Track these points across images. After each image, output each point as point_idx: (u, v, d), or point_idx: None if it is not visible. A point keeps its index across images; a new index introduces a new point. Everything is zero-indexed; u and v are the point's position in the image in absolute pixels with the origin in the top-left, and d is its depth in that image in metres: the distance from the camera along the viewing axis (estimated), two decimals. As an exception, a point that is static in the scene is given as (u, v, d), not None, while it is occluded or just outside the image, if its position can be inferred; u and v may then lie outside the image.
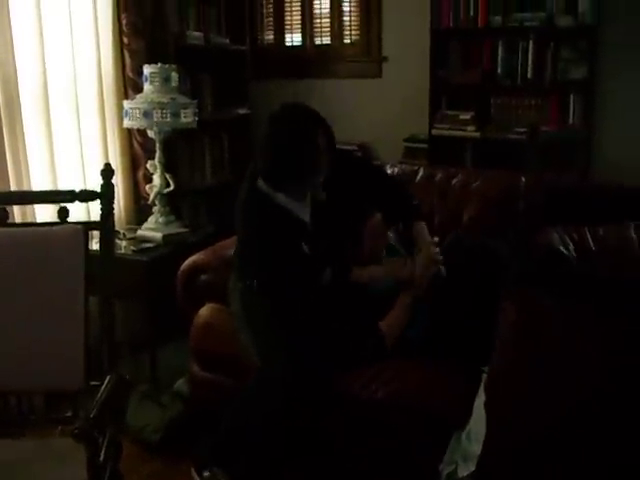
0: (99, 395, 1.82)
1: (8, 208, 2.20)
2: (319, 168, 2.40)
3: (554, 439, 1.52)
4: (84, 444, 1.68)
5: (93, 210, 3.12)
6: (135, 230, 3.54)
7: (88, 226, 2.12)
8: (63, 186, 3.29)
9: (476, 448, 2.13)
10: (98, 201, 2.12)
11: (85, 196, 2.11)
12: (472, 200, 3.15)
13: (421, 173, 3.35)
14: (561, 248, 2.28)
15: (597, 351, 1.52)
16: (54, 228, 2.12)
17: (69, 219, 2.15)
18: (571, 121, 3.99)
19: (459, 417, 2.28)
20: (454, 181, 3.25)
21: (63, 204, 2.13)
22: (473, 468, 2.10)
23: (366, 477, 2.51)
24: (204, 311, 2.93)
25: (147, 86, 3.39)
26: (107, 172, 2.10)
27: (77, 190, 2.13)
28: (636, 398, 1.44)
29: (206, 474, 2.48)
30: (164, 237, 3.43)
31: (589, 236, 2.70)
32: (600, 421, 1.47)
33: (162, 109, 3.29)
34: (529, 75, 3.99)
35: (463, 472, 2.21)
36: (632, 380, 1.45)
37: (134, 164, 3.73)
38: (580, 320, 1.58)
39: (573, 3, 3.83)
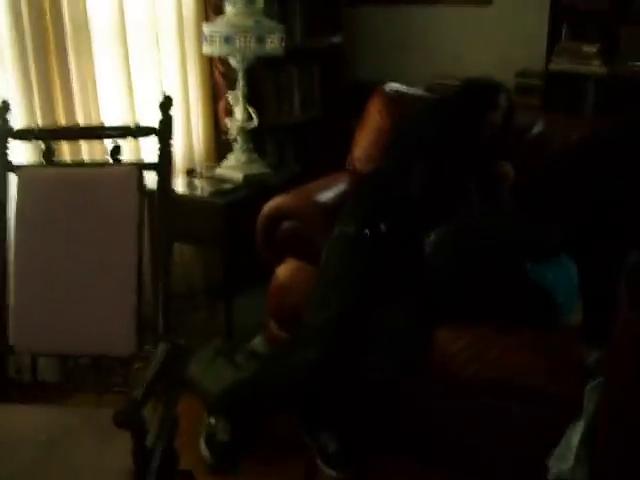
0: (150, 369, 1.59)
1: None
2: None
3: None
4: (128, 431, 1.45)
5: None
6: (214, 168, 3.27)
7: (143, 166, 1.82)
8: (142, 121, 3.05)
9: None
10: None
11: (139, 132, 1.81)
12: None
13: (536, 129, 2.94)
14: None
15: None
16: (106, 169, 1.85)
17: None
18: None
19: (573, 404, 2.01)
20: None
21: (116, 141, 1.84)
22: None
23: (462, 467, 2.28)
24: (283, 269, 2.68)
25: (229, 8, 3.05)
26: (166, 104, 1.79)
27: (131, 125, 1.85)
28: None
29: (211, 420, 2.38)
30: (245, 177, 3.15)
31: None
32: None
33: (245, 34, 2.96)
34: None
35: (577, 475, 1.88)
36: None
37: (215, 95, 3.41)
38: None
39: None
